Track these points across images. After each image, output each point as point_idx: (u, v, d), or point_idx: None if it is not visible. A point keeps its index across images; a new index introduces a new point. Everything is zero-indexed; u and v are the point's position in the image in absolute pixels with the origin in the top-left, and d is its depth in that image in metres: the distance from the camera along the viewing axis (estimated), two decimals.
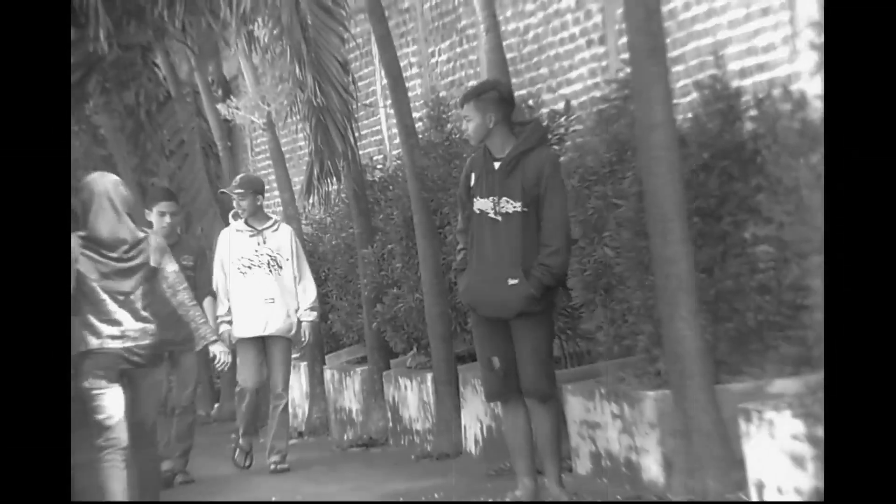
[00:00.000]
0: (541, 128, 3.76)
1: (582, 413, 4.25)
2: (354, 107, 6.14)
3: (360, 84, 6.86)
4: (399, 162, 6.11)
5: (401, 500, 4.26)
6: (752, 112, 3.80)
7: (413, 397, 5.71)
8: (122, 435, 3.74)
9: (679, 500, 3.51)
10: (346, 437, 6.26)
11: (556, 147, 5.02)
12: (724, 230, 3.76)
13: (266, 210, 5.86)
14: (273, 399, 5.44)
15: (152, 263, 3.81)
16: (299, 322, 5.42)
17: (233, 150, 8.70)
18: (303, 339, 5.49)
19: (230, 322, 5.38)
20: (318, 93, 5.80)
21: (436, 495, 4.24)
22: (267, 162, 8.89)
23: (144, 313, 3.78)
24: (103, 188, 3.82)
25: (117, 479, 3.71)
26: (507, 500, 3.74)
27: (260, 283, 5.38)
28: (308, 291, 5.46)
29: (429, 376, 5.48)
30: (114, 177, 3.97)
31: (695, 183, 3.77)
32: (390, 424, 5.95)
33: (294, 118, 6.11)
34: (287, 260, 5.42)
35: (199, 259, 5.37)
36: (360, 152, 6.55)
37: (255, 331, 5.37)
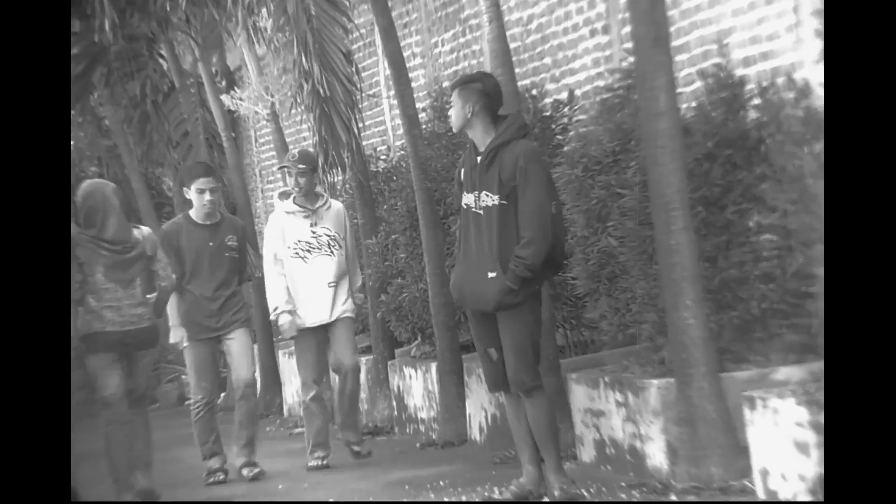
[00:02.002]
0: (518, 120, 3.75)
1: (586, 401, 4.27)
2: (358, 97, 6.14)
3: (363, 74, 6.83)
4: (403, 152, 6.11)
5: (406, 488, 4.29)
6: (756, 101, 3.80)
7: (418, 386, 5.74)
8: (122, 409, 4.47)
9: (683, 488, 3.53)
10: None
11: (559, 137, 5.04)
12: (728, 219, 3.77)
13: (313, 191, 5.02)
14: (340, 373, 4.96)
15: (148, 252, 4.52)
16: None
17: (237, 141, 8.70)
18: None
19: (291, 311, 4.84)
20: (322, 83, 5.79)
21: (441, 483, 4.27)
22: (271, 153, 8.89)
23: (142, 299, 4.48)
24: (107, 196, 4.49)
25: (119, 449, 4.48)
26: (512, 487, 3.76)
27: (322, 267, 4.89)
28: (356, 274, 5.07)
29: (433, 365, 5.50)
30: (111, 184, 4.66)
31: (699, 172, 3.77)
32: (395, 413, 5.98)
33: (298, 109, 6.11)
34: (344, 238, 4.99)
35: (243, 239, 5.03)
36: (364, 143, 6.55)
37: (321, 318, 4.89)
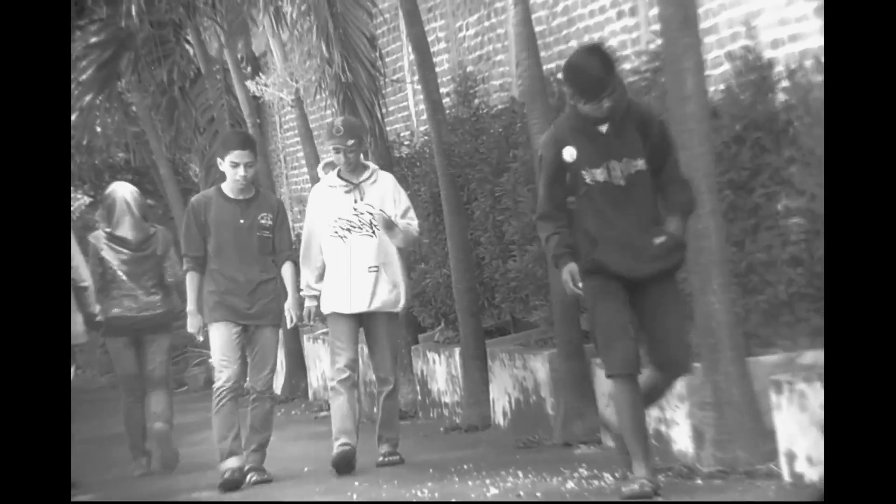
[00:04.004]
0: (621, 80, 3.37)
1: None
2: (382, 82, 6.13)
3: (387, 59, 6.83)
4: (426, 138, 6.12)
5: (430, 471, 4.31)
6: (785, 83, 3.76)
7: (441, 371, 5.75)
8: (136, 385, 5.12)
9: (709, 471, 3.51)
10: (374, 410, 6.32)
11: None
12: (755, 203, 3.74)
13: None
14: (378, 384, 4.52)
15: (159, 253, 5.09)
16: (392, 226, 4.32)
17: (262, 127, 8.73)
18: (397, 235, 4.36)
19: (316, 297, 4.43)
20: (346, 69, 5.80)
21: (465, 466, 4.28)
22: (295, 139, 8.92)
23: (153, 290, 5.07)
24: (124, 197, 5.09)
25: (134, 420, 5.12)
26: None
27: (362, 249, 4.34)
28: (412, 221, 4.46)
29: (457, 350, 5.51)
30: (131, 186, 5.23)
31: (727, 155, 3.75)
32: (419, 397, 6.00)
33: (322, 94, 6.13)
34: (394, 216, 4.38)
35: (279, 218, 4.45)
36: (388, 128, 6.56)
37: (358, 306, 4.36)
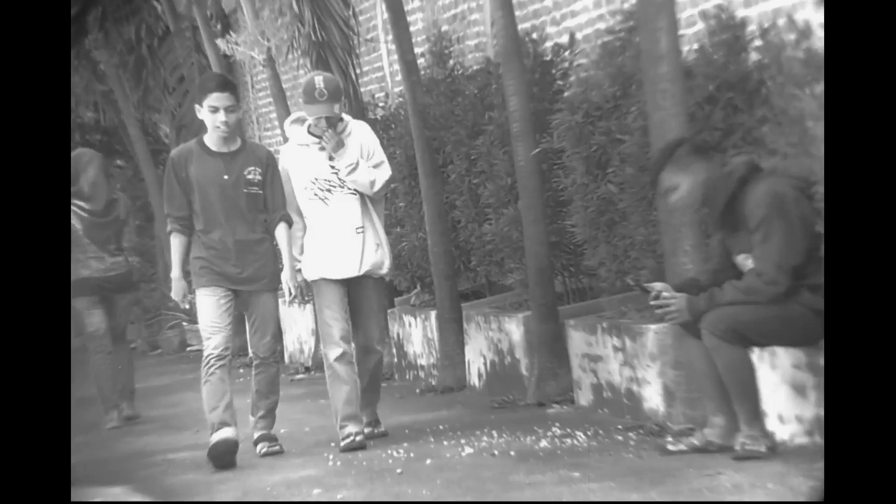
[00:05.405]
0: (739, 168, 3.14)
1: (584, 347, 4.30)
2: (355, 42, 6.05)
3: (360, 18, 6.73)
4: (401, 99, 6.05)
5: (406, 432, 4.33)
6: (758, 42, 3.75)
7: (417, 334, 5.77)
8: (105, 342, 5.34)
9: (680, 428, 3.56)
10: None
11: (559, 82, 4.97)
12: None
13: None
14: (362, 355, 4.11)
15: (122, 217, 5.38)
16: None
17: None
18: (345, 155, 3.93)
19: (301, 270, 4.00)
20: (319, 27, 5.71)
21: (440, 427, 4.32)
22: (267, 99, 8.80)
23: (116, 252, 5.34)
24: (91, 162, 5.28)
25: (104, 375, 5.34)
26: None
27: (346, 210, 3.94)
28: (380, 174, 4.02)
29: (433, 314, 5.52)
30: (93, 152, 5.48)
31: (700, 116, 3.74)
32: (395, 360, 6.03)
33: (294, 54, 6.03)
34: (375, 168, 3.99)
35: (270, 172, 3.94)
36: (362, 89, 6.48)
37: (348, 271, 3.97)
